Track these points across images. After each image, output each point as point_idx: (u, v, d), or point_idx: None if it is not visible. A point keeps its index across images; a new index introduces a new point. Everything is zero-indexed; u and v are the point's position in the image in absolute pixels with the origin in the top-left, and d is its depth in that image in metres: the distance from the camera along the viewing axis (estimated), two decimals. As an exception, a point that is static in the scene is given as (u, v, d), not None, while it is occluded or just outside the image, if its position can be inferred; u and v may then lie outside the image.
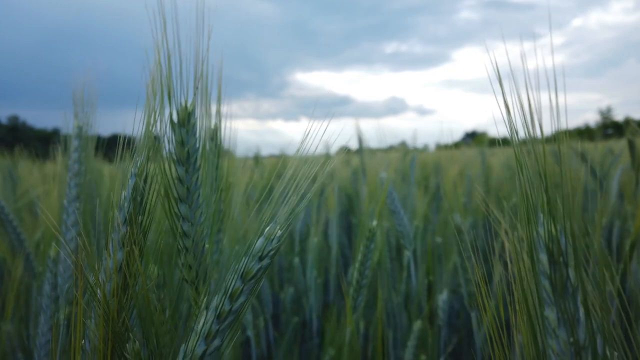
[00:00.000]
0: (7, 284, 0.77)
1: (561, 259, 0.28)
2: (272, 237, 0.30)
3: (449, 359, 1.18)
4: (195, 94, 0.30)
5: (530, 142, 0.28)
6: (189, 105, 0.30)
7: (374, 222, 0.71)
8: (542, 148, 0.28)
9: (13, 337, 0.76)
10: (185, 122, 0.30)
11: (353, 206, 1.52)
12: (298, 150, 0.30)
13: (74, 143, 0.47)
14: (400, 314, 1.08)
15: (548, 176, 0.28)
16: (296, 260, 1.29)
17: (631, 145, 1.04)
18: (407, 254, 0.93)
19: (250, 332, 1.02)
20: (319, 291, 1.23)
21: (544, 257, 0.29)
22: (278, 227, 0.30)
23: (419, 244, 1.12)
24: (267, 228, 0.30)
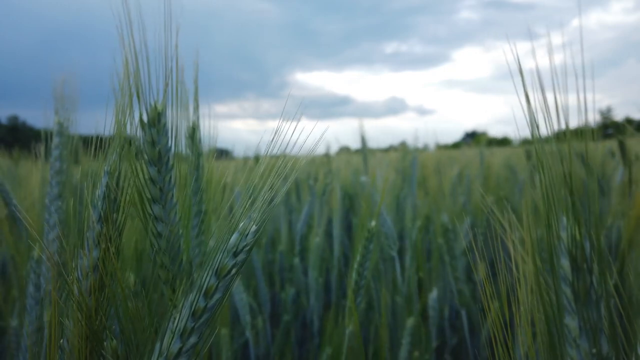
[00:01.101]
0: (13, 281, 0.78)
1: (585, 265, 0.27)
2: (246, 233, 0.30)
3: (449, 358, 1.18)
4: (165, 93, 0.30)
5: (554, 140, 0.27)
6: (158, 104, 0.30)
7: (373, 223, 0.71)
8: (568, 147, 0.27)
9: (19, 332, 0.76)
10: (155, 122, 0.30)
11: (354, 206, 1.52)
12: (268, 149, 0.30)
13: (54, 140, 0.47)
14: (397, 314, 1.08)
15: (573, 177, 0.27)
16: (296, 260, 1.29)
17: (621, 146, 1.04)
18: (393, 254, 0.93)
19: (248, 333, 1.03)
20: (319, 291, 1.23)
21: (565, 263, 0.28)
22: (252, 223, 0.30)
23: (414, 243, 1.12)
24: (242, 223, 0.30)
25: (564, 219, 0.27)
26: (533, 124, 0.28)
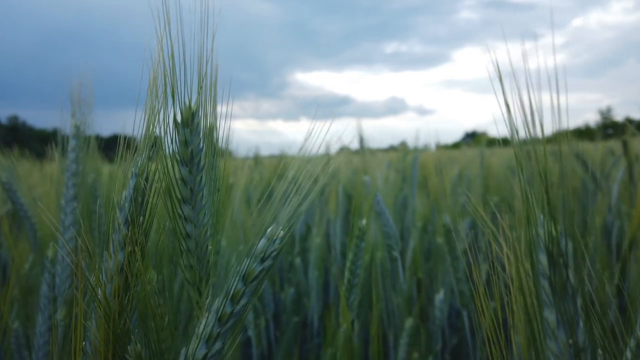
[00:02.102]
0: (14, 281, 0.78)
1: (561, 260, 0.28)
2: (274, 238, 0.30)
3: (449, 358, 1.18)
4: (199, 94, 0.29)
5: (531, 142, 0.28)
6: (192, 105, 0.30)
7: (364, 222, 0.71)
8: (543, 148, 0.28)
9: (20, 335, 0.76)
10: (189, 122, 0.30)
11: (352, 206, 1.52)
12: (300, 150, 0.30)
13: (71, 143, 0.47)
14: (401, 314, 1.08)
15: (548, 177, 0.28)
16: (297, 260, 1.29)
17: (625, 146, 1.04)
18: (395, 254, 0.94)
19: (251, 332, 1.02)
20: (319, 291, 1.23)
21: (543, 258, 0.29)
22: (280, 228, 0.30)
23: (417, 243, 1.12)
24: (270, 229, 0.30)
25: (541, 216, 0.28)
26: (512, 126, 0.29)
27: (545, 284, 0.28)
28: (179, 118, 0.30)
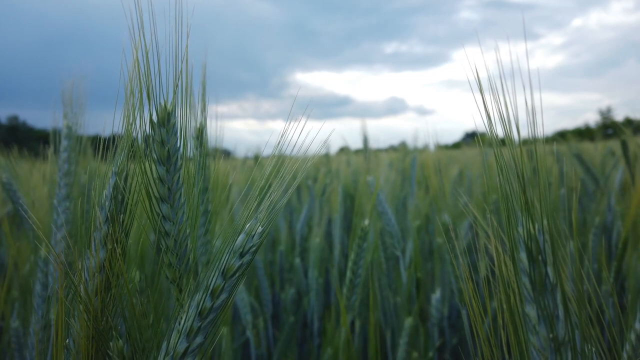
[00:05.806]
0: (14, 281, 0.78)
1: (540, 257, 0.28)
2: (252, 234, 0.30)
3: (449, 358, 1.18)
4: (175, 93, 0.30)
5: (509, 143, 0.29)
6: (168, 105, 0.30)
7: (366, 222, 0.71)
8: (520, 149, 0.28)
9: (20, 334, 0.76)
10: (164, 122, 0.30)
11: (354, 206, 1.52)
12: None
13: (63, 143, 0.48)
14: (399, 313, 1.08)
15: (526, 177, 0.28)
16: (297, 260, 1.29)
17: (624, 146, 1.04)
18: (397, 253, 0.94)
19: (249, 333, 1.03)
20: (319, 291, 1.23)
21: (523, 256, 0.29)
22: (259, 224, 0.30)
23: (416, 242, 1.12)
24: (248, 224, 0.30)
25: (520, 215, 0.29)
26: (491, 128, 0.29)
27: (526, 280, 0.29)
28: (154, 118, 0.30)
